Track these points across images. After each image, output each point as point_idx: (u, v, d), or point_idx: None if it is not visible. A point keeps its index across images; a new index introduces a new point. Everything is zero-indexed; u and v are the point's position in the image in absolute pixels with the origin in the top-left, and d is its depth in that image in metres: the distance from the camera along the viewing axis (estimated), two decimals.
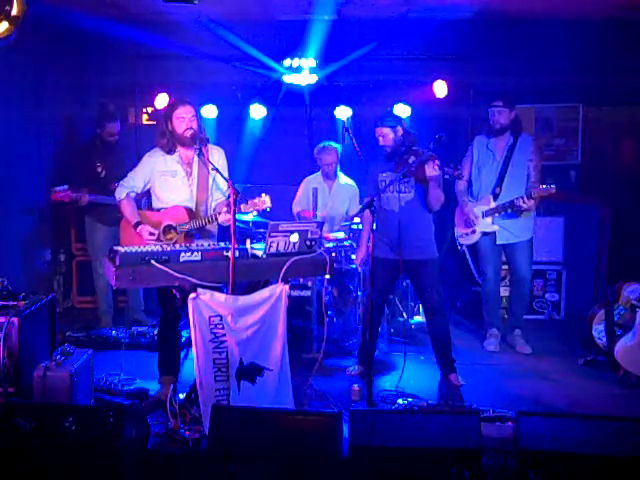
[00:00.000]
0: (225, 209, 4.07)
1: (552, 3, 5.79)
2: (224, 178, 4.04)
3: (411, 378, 4.72)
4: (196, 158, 4.22)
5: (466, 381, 4.68)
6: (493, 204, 5.20)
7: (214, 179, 4.26)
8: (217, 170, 4.03)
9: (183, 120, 4.11)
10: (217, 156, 4.22)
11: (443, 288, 5.71)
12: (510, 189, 5.17)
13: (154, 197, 4.29)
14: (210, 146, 4.25)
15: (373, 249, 4.25)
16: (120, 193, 4.25)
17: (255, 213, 5.42)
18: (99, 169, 5.67)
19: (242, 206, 4.01)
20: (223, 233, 4.28)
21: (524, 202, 4.95)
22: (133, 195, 4.27)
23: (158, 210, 4.25)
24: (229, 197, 3.85)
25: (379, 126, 4.60)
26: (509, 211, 5.13)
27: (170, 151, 4.20)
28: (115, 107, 5.95)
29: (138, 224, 4.14)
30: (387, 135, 4.58)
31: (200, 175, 4.23)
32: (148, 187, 4.27)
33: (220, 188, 4.27)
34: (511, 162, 5.19)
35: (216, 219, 4.12)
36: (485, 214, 5.24)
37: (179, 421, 3.70)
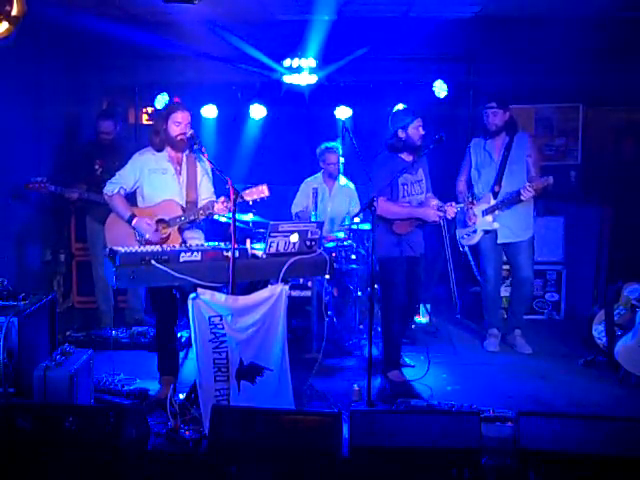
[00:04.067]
0: (222, 198, 4.13)
1: (552, 3, 5.80)
2: (223, 177, 4.05)
3: (411, 378, 4.73)
4: (185, 158, 4.28)
5: (466, 381, 4.69)
6: (493, 202, 5.21)
7: (202, 177, 4.31)
8: (217, 169, 4.05)
9: (178, 125, 4.15)
10: (203, 160, 4.28)
11: (443, 288, 5.71)
12: (509, 187, 5.17)
13: (141, 197, 4.29)
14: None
15: (374, 250, 4.27)
16: (111, 189, 4.25)
17: (253, 214, 5.45)
18: (96, 166, 5.68)
19: (241, 195, 4.03)
20: (223, 233, 4.29)
21: (525, 191, 4.95)
22: (123, 192, 4.27)
23: (150, 206, 4.26)
24: (228, 199, 3.86)
25: (420, 115, 4.59)
26: (509, 203, 5.14)
27: (160, 149, 4.24)
28: (113, 106, 5.96)
29: (132, 217, 4.14)
30: (422, 126, 4.60)
31: (189, 174, 4.28)
32: (137, 186, 4.27)
33: (210, 185, 4.35)
34: (509, 161, 5.19)
35: (212, 208, 4.16)
36: (485, 212, 5.24)
37: (179, 421, 3.70)
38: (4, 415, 3.09)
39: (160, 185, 4.23)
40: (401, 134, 4.58)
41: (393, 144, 4.63)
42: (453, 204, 4.59)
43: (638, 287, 4.82)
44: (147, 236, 4.10)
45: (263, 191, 4.06)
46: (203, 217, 4.23)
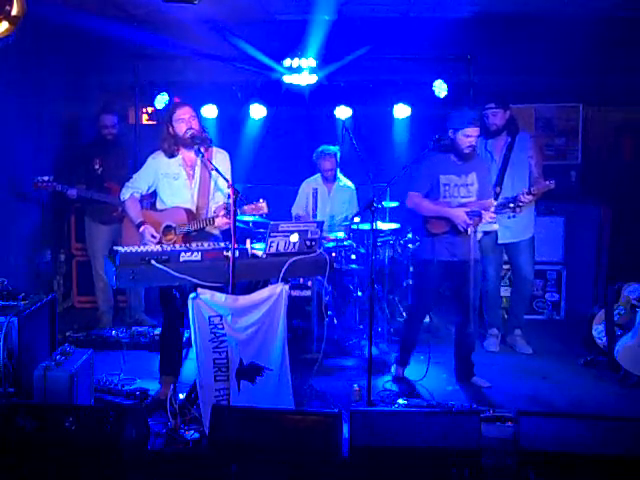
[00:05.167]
0: (223, 212, 4.08)
1: (552, 3, 5.79)
2: (224, 178, 4.04)
3: (410, 378, 4.73)
4: (199, 161, 4.23)
5: (466, 381, 4.69)
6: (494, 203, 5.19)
7: (216, 182, 4.26)
8: (217, 170, 4.03)
9: (183, 121, 4.13)
10: (220, 159, 4.23)
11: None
12: (510, 188, 5.17)
13: (158, 199, 4.31)
14: (215, 149, 4.27)
15: (374, 250, 4.24)
16: (124, 194, 4.28)
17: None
18: (96, 166, 5.69)
19: (239, 210, 4.00)
20: (223, 233, 4.28)
21: (524, 197, 4.92)
22: (137, 196, 4.28)
23: (160, 211, 4.26)
24: (229, 198, 3.85)
25: (479, 126, 4.42)
26: (511, 206, 5.07)
27: (172, 155, 4.21)
28: (113, 102, 5.98)
29: (141, 224, 4.14)
30: (476, 136, 4.43)
31: (202, 178, 4.24)
32: (152, 189, 4.28)
33: (221, 190, 4.28)
34: (510, 161, 5.19)
35: (213, 222, 4.12)
36: None
37: (179, 421, 3.70)
38: (4, 415, 3.09)
39: (171, 191, 4.22)
40: (451, 134, 4.43)
41: (442, 141, 4.45)
42: (491, 209, 4.40)
43: (638, 287, 4.82)
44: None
45: (262, 208, 4.01)
46: (209, 226, 4.17)
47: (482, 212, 4.37)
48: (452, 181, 4.49)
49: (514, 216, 5.07)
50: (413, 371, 4.85)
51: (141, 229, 4.12)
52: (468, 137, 4.37)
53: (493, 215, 4.39)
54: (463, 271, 4.45)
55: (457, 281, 4.52)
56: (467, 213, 4.36)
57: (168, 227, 4.17)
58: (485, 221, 4.40)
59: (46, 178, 5.36)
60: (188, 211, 4.19)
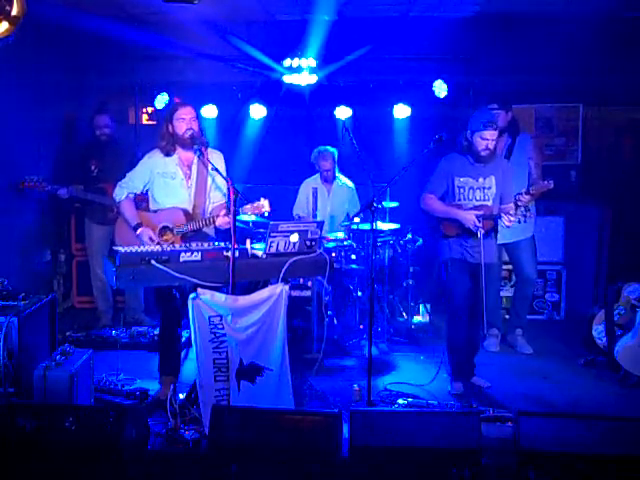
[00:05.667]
0: (223, 212, 4.07)
1: (552, 3, 5.79)
2: (224, 178, 4.04)
3: (411, 378, 4.72)
4: (196, 160, 4.22)
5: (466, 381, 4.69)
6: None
7: (213, 181, 4.25)
8: (217, 170, 4.03)
9: (184, 121, 4.12)
10: (215, 158, 4.22)
11: (442, 289, 5.59)
12: None
13: (151, 199, 4.28)
14: (209, 150, 4.26)
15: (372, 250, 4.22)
16: (120, 194, 4.24)
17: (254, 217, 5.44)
18: (92, 167, 5.69)
19: (241, 209, 4.00)
20: (223, 233, 4.28)
21: (522, 197, 4.90)
22: (132, 196, 4.26)
23: (155, 211, 4.25)
24: (228, 199, 3.85)
25: (496, 129, 4.37)
26: (522, 210, 5.03)
27: (168, 153, 4.20)
28: (107, 103, 5.99)
29: (138, 226, 4.13)
30: (495, 139, 4.38)
31: (199, 177, 4.23)
32: (147, 188, 4.26)
33: (219, 189, 4.27)
34: (510, 162, 5.17)
35: (213, 222, 4.12)
36: None
37: (179, 421, 3.70)
38: (4, 415, 3.09)
39: (168, 191, 4.20)
40: (468, 136, 4.43)
41: (461, 143, 4.47)
42: (511, 212, 4.35)
43: (638, 287, 4.82)
44: None
45: (264, 206, 4.00)
46: (207, 226, 4.18)
47: (502, 215, 4.35)
48: (467, 184, 4.47)
49: (525, 221, 5.01)
50: (414, 374, 4.86)
51: (138, 231, 4.10)
52: (485, 139, 4.35)
53: (513, 219, 4.34)
54: (475, 274, 4.44)
55: (469, 283, 4.51)
56: (478, 216, 4.34)
57: (165, 228, 4.16)
58: (504, 225, 4.37)
59: (35, 178, 5.35)
60: (185, 211, 4.19)
